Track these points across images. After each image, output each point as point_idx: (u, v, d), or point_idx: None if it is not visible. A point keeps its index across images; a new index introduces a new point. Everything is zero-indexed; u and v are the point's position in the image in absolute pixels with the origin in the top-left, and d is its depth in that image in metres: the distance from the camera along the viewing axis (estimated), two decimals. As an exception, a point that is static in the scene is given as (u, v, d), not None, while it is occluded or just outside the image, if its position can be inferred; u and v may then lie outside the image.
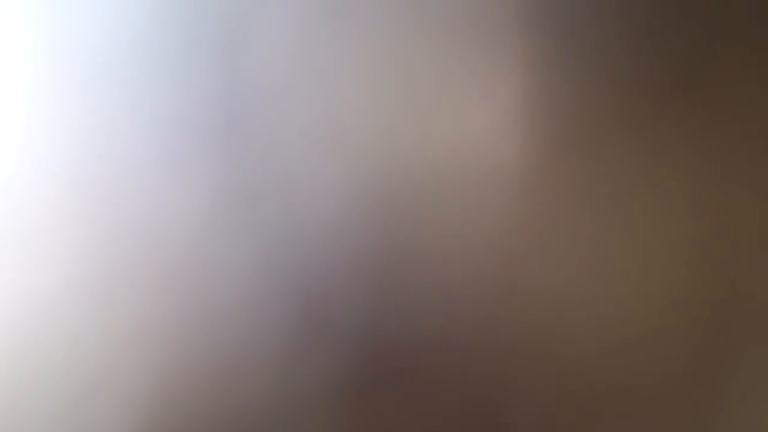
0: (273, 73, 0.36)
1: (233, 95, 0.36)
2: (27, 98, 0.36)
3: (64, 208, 0.36)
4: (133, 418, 0.35)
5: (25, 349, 0.35)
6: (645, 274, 0.36)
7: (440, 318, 0.36)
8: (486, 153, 0.36)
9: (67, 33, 0.36)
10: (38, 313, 0.35)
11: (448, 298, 0.36)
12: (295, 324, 0.36)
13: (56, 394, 0.35)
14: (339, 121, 0.36)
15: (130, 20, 0.36)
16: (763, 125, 0.37)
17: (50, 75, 0.36)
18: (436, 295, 0.36)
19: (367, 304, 0.36)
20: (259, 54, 0.36)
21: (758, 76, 0.37)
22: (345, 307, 0.36)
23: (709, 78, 0.36)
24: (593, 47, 0.36)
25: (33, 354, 0.35)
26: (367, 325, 0.36)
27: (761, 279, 0.37)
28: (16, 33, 0.36)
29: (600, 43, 0.36)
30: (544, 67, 0.36)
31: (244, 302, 0.36)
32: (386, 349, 0.36)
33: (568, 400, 0.36)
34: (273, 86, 0.36)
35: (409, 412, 0.36)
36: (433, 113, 0.36)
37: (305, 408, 0.36)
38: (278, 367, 0.36)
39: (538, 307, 0.36)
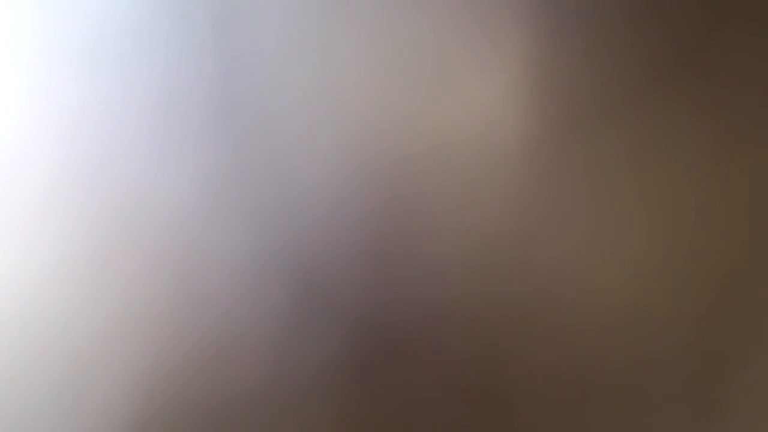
0: (268, 50, 0.36)
1: (227, 73, 0.36)
2: (18, 82, 0.35)
3: (53, 192, 0.35)
4: (125, 403, 0.35)
5: (13, 337, 0.35)
6: (647, 253, 0.36)
7: (440, 294, 0.36)
8: (487, 130, 0.36)
9: (58, 15, 0.35)
10: (26, 300, 0.35)
11: (447, 274, 0.36)
12: (291, 302, 0.36)
13: (45, 381, 0.35)
14: (337, 98, 0.36)
15: (124, 6, 0.36)
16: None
17: (41, 58, 0.35)
18: (435, 271, 0.36)
19: (364, 280, 0.36)
20: (254, 30, 0.36)
21: (766, 54, 0.36)
22: (342, 284, 0.36)
23: (715, 56, 0.36)
24: (596, 24, 0.36)
25: (20, 341, 0.35)
26: (365, 302, 0.36)
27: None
28: (7, 15, 0.35)
29: (603, 20, 0.36)
30: (547, 43, 0.36)
31: (239, 281, 0.35)
32: (385, 327, 0.36)
33: (569, 376, 0.36)
34: (268, 63, 0.36)
35: (409, 390, 0.36)
36: (434, 89, 0.36)
37: (302, 388, 0.35)
38: (274, 346, 0.36)
39: (539, 283, 0.36)
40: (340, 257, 0.36)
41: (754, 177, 0.36)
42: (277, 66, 0.36)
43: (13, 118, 0.35)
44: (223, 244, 0.36)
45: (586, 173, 0.36)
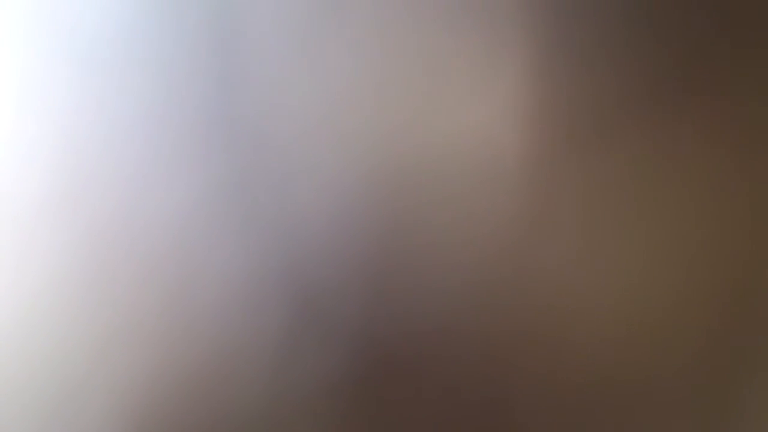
0: (265, 62, 0.35)
1: (223, 79, 0.35)
2: (10, 86, 0.35)
3: (46, 201, 0.35)
4: (120, 418, 0.35)
5: (5, 350, 0.34)
6: (650, 265, 0.36)
7: (440, 309, 0.35)
8: (487, 144, 0.35)
9: (52, 16, 0.35)
10: (18, 311, 0.35)
11: (447, 288, 0.35)
12: (288, 318, 0.35)
13: (40, 394, 0.34)
14: (334, 111, 0.35)
15: (119, 7, 0.35)
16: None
17: (34, 60, 0.35)
18: (434, 285, 0.35)
19: (364, 296, 0.35)
20: (251, 36, 0.35)
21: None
22: (341, 299, 0.35)
23: (720, 70, 0.36)
24: (598, 36, 0.36)
25: (13, 354, 0.35)
26: (365, 317, 0.35)
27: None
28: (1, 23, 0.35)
29: (605, 32, 0.36)
30: (547, 56, 0.35)
31: (235, 296, 0.35)
32: (385, 343, 0.35)
33: (573, 389, 0.35)
34: (265, 75, 0.35)
35: (410, 407, 0.35)
36: (433, 103, 0.35)
37: (300, 405, 0.35)
38: (271, 362, 0.35)
39: (541, 297, 0.35)
40: (337, 271, 0.35)
41: (759, 188, 0.36)
42: (274, 74, 0.35)
43: (6, 128, 0.35)
44: (219, 256, 0.35)
45: (587, 186, 0.36)
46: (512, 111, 0.35)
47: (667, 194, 0.36)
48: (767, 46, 0.36)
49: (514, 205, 0.35)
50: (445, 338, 0.35)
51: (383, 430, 0.35)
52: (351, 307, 0.35)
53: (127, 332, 0.35)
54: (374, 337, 0.35)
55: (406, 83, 0.35)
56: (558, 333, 0.35)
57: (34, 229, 0.35)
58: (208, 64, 0.35)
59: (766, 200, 0.36)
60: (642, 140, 0.36)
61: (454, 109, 0.35)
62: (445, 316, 0.35)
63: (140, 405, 0.35)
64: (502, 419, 0.35)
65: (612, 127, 0.36)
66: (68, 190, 0.35)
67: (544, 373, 0.35)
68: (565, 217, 0.36)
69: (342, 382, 0.35)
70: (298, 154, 0.35)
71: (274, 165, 0.35)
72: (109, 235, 0.35)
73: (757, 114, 0.36)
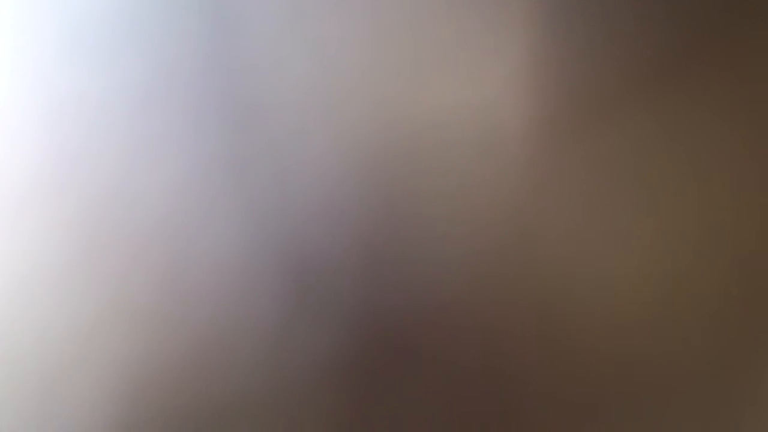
0: (262, 29, 0.34)
1: (218, 65, 0.34)
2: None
3: (33, 184, 0.34)
4: (109, 405, 0.34)
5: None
6: (658, 247, 0.35)
7: (440, 295, 0.34)
8: (489, 124, 0.35)
9: (39, 5, 0.34)
10: (4, 296, 0.33)
11: (447, 275, 0.35)
12: (287, 299, 0.34)
13: (25, 383, 0.33)
14: (335, 81, 0.34)
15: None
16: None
17: (21, 49, 0.34)
18: (435, 272, 0.35)
19: (361, 281, 0.34)
20: (247, 20, 0.34)
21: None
22: (338, 285, 0.34)
23: (726, 46, 0.35)
24: (602, 12, 0.35)
25: (0, 339, 0.33)
26: (362, 303, 0.34)
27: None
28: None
29: (609, 7, 0.35)
30: (554, 26, 0.35)
31: (229, 280, 0.34)
32: (383, 329, 0.34)
33: (578, 379, 0.35)
34: (260, 54, 0.34)
35: (407, 393, 0.34)
36: (437, 75, 0.35)
37: (295, 391, 0.34)
38: (266, 349, 0.34)
39: (545, 283, 0.35)
40: (335, 257, 0.34)
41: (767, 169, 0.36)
42: (274, 46, 0.34)
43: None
44: (214, 242, 0.34)
45: (592, 168, 0.35)
46: (515, 86, 0.35)
47: (674, 172, 0.35)
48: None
49: (517, 191, 0.35)
50: (446, 312, 0.34)
51: (381, 407, 0.34)
52: (348, 283, 0.34)
53: (117, 315, 0.34)
54: (372, 314, 0.34)
55: (410, 50, 0.35)
56: (562, 305, 0.35)
57: (21, 213, 0.34)
58: (201, 45, 0.34)
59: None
60: (645, 115, 0.35)
61: (455, 91, 0.35)
62: (445, 290, 0.34)
63: (132, 386, 0.34)
64: (505, 396, 0.35)
65: (614, 102, 0.35)
66: (55, 172, 0.34)
67: (548, 346, 0.34)
68: (568, 191, 0.35)
69: (338, 361, 0.34)
70: (295, 140, 0.35)
71: (270, 142, 0.34)
72: (98, 217, 0.34)
73: (765, 89, 0.35)
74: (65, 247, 0.34)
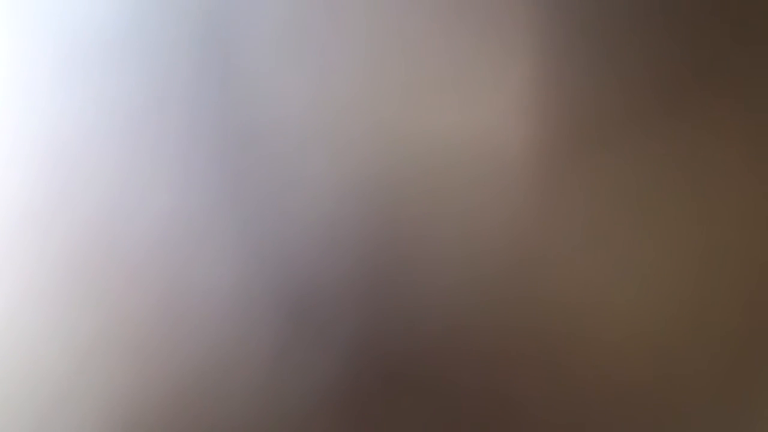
0: (261, 65, 0.34)
1: (217, 87, 0.34)
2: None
3: (27, 203, 0.33)
4: (106, 428, 0.33)
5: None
6: (660, 264, 0.34)
7: (444, 319, 0.34)
8: (493, 145, 0.34)
9: (36, 19, 0.34)
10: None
11: (451, 302, 0.34)
12: (283, 328, 0.34)
13: (21, 409, 0.33)
14: (332, 107, 0.34)
15: (106, 5, 0.34)
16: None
17: (16, 64, 0.33)
18: (438, 294, 0.34)
19: (364, 305, 0.34)
20: (247, 45, 0.34)
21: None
22: (338, 310, 0.34)
23: (735, 67, 0.35)
24: (609, 33, 0.35)
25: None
26: (365, 322, 0.34)
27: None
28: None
29: (617, 28, 0.35)
30: (557, 53, 0.34)
31: (226, 301, 0.33)
32: (387, 349, 0.34)
33: (582, 388, 0.34)
34: (261, 78, 0.34)
35: (414, 416, 0.34)
36: (436, 101, 0.34)
37: (297, 418, 0.33)
38: (263, 370, 0.33)
39: (549, 308, 0.34)
40: (333, 281, 0.34)
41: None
42: (270, 77, 0.34)
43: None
44: (210, 266, 0.34)
45: (593, 192, 0.34)
46: (517, 109, 0.34)
47: (674, 192, 0.35)
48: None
49: (517, 203, 0.34)
50: (446, 337, 0.34)
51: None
52: (346, 308, 0.34)
53: (110, 342, 0.33)
54: (370, 339, 0.34)
55: (409, 76, 0.34)
56: (565, 329, 0.34)
57: (13, 236, 0.33)
58: (201, 66, 0.34)
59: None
60: (647, 141, 0.35)
61: (459, 104, 0.34)
62: (447, 314, 0.34)
63: (126, 414, 0.33)
64: (506, 422, 0.34)
65: (616, 126, 0.35)
66: (50, 192, 0.33)
67: (551, 371, 0.34)
68: (570, 215, 0.34)
69: (336, 388, 0.33)
70: (294, 158, 0.34)
71: (267, 163, 0.34)
72: (93, 239, 0.33)
73: (765, 112, 0.35)
74: (58, 271, 0.33)
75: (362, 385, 0.34)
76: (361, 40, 0.34)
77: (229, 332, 0.33)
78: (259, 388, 0.33)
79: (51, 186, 0.33)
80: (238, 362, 0.33)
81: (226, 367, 0.33)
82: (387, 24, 0.34)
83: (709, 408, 0.34)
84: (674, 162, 0.35)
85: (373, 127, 0.34)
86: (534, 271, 0.34)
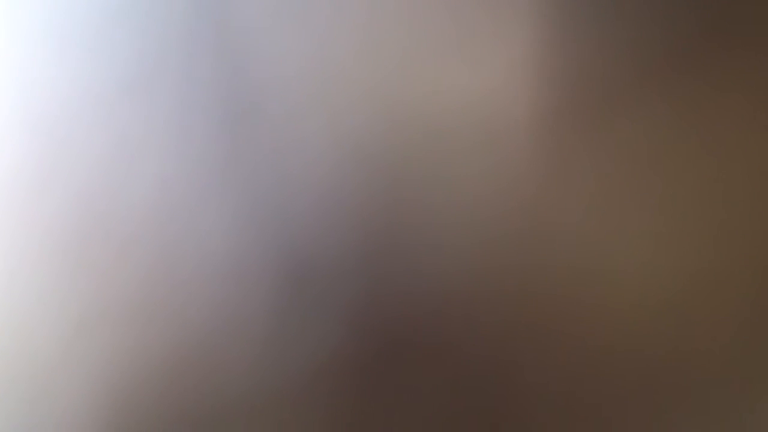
0: (257, 23, 0.33)
1: (210, 49, 0.33)
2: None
3: (17, 178, 0.33)
4: (99, 405, 0.33)
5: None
6: (669, 230, 0.33)
7: (441, 293, 0.33)
8: (497, 108, 0.33)
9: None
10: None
11: (450, 272, 0.33)
12: (282, 296, 0.33)
13: (15, 381, 0.32)
14: (331, 73, 0.33)
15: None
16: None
17: (5, 44, 0.33)
18: (436, 268, 0.33)
19: (363, 270, 0.33)
20: (243, 15, 0.34)
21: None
22: (336, 280, 0.33)
23: (753, 25, 0.33)
24: (611, 2, 0.34)
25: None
26: (365, 294, 0.33)
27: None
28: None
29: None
30: (559, 19, 0.33)
31: (220, 273, 0.33)
32: (381, 326, 0.33)
33: (589, 379, 0.33)
34: (257, 46, 0.33)
35: (413, 388, 0.33)
36: (438, 62, 0.33)
37: (295, 390, 0.33)
38: (261, 348, 0.33)
39: (552, 279, 0.33)
40: (332, 251, 0.33)
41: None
42: (263, 50, 0.33)
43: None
44: (203, 238, 0.33)
45: (601, 160, 0.33)
46: (522, 70, 0.33)
47: (687, 162, 0.34)
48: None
49: (521, 174, 0.33)
50: (447, 323, 0.33)
51: (378, 407, 0.33)
52: (348, 290, 0.33)
53: (104, 313, 0.33)
54: (372, 320, 0.33)
55: (409, 45, 0.33)
56: (570, 296, 0.33)
57: (3, 209, 0.33)
58: (196, 31, 0.33)
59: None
60: (659, 105, 0.34)
61: (460, 70, 0.33)
62: (446, 286, 0.33)
63: (120, 386, 0.33)
64: (508, 394, 0.33)
65: (625, 91, 0.34)
66: (39, 167, 0.33)
67: (555, 338, 0.33)
68: (577, 179, 0.33)
69: (334, 359, 0.33)
70: (293, 135, 0.33)
71: (262, 136, 0.33)
72: (87, 206, 0.33)
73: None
74: (49, 243, 0.33)
75: (362, 351, 0.33)
76: (358, 12, 0.34)
77: (227, 300, 0.33)
78: (257, 355, 0.33)
79: (43, 156, 0.33)
80: (236, 330, 0.33)
81: (223, 335, 0.33)
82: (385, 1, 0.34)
83: (717, 381, 0.33)
84: (690, 126, 0.34)
85: (372, 89, 0.33)
86: (539, 237, 0.33)
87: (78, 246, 0.33)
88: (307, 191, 0.33)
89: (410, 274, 0.33)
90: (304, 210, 0.33)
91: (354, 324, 0.33)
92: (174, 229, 0.33)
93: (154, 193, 0.33)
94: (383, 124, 0.33)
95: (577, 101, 0.33)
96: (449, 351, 0.33)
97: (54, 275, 0.33)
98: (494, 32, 0.33)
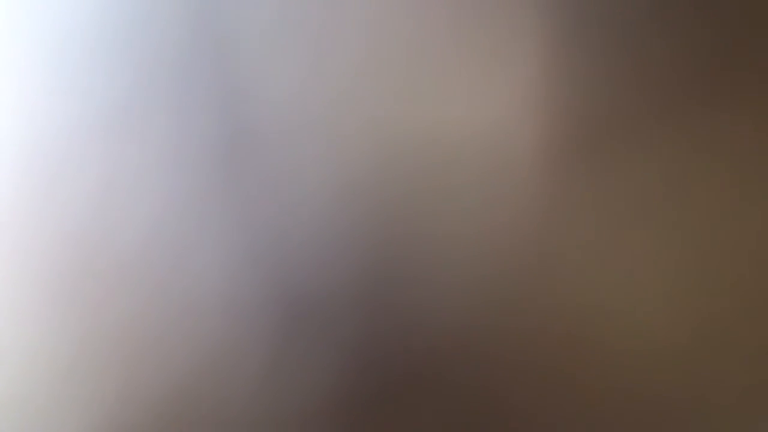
0: (260, 57, 0.33)
1: (214, 81, 0.33)
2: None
3: (14, 200, 0.32)
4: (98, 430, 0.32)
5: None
6: (674, 264, 0.33)
7: (446, 320, 0.33)
8: (499, 140, 0.32)
9: (27, 17, 0.32)
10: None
11: (454, 298, 0.33)
12: (280, 330, 0.33)
13: (12, 413, 0.32)
14: (329, 99, 0.33)
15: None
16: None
17: (6, 60, 0.32)
18: (440, 295, 0.33)
19: (362, 305, 0.33)
20: (245, 37, 0.33)
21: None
22: (337, 309, 0.33)
23: (755, 65, 0.32)
24: (621, 28, 0.33)
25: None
26: (364, 329, 0.33)
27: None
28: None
29: (629, 24, 0.32)
30: (567, 50, 0.33)
31: (219, 305, 0.32)
32: (386, 357, 0.33)
33: (588, 409, 0.33)
34: (259, 70, 0.33)
35: (415, 426, 0.33)
36: (439, 94, 0.33)
37: (292, 422, 0.33)
38: (260, 371, 0.33)
39: (554, 310, 0.33)
40: (333, 281, 0.33)
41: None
42: (260, 72, 0.32)
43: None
44: (201, 275, 0.32)
45: (607, 190, 0.33)
46: (526, 103, 0.33)
47: (689, 191, 0.33)
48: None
49: (525, 202, 0.33)
50: (450, 338, 0.33)
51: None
52: (348, 321, 0.33)
53: (101, 342, 0.32)
54: (373, 352, 0.33)
55: (409, 76, 0.33)
56: (570, 332, 0.33)
57: (1, 230, 0.32)
58: (192, 60, 0.33)
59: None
60: (668, 133, 0.33)
61: (464, 100, 0.33)
62: (449, 314, 0.33)
63: (117, 420, 0.32)
64: (511, 426, 0.33)
65: (633, 120, 0.33)
66: (37, 191, 0.32)
67: (555, 374, 0.33)
68: (579, 214, 0.33)
69: (335, 392, 0.33)
70: (291, 154, 0.33)
71: (258, 163, 0.33)
72: (81, 238, 0.32)
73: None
74: (40, 282, 0.32)
75: (361, 387, 0.33)
76: (359, 27, 0.33)
77: (224, 335, 0.33)
78: (254, 394, 0.33)
79: (37, 185, 0.32)
80: (234, 365, 0.33)
81: (221, 370, 0.33)
82: (387, 10, 0.33)
83: (722, 424, 0.33)
84: (701, 156, 0.33)
85: (372, 120, 0.33)
86: (539, 273, 0.33)
87: (70, 284, 0.32)
88: (305, 225, 0.33)
89: (410, 309, 0.33)
90: (302, 244, 0.33)
91: (352, 360, 0.33)
92: (168, 265, 0.32)
93: (148, 228, 0.32)
94: (383, 155, 0.33)
95: (585, 132, 0.33)
96: (449, 387, 0.33)
97: (45, 314, 0.32)
98: (500, 60, 0.33)
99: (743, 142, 0.33)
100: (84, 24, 0.32)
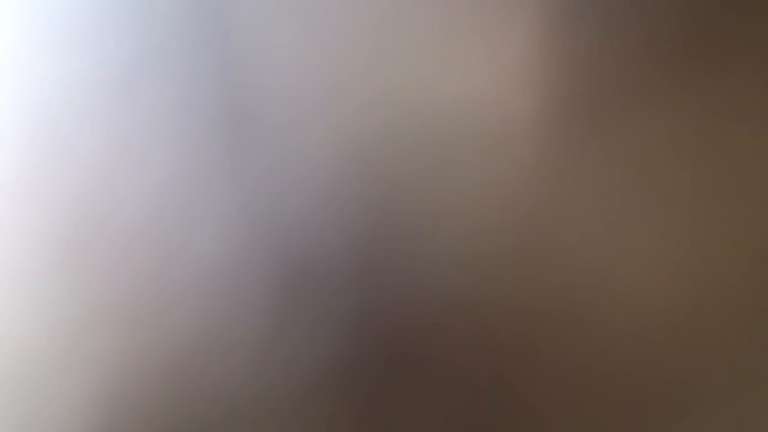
0: (256, 18, 0.33)
1: (210, 50, 0.33)
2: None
3: (17, 180, 0.33)
4: (94, 410, 0.33)
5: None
6: (678, 245, 0.32)
7: (447, 295, 0.33)
8: (500, 113, 0.32)
9: (29, 3, 0.33)
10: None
11: (454, 273, 0.33)
12: (282, 303, 0.33)
13: (8, 385, 0.33)
14: (331, 79, 0.33)
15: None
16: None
17: (6, 43, 0.33)
18: (441, 270, 0.33)
19: (364, 280, 0.33)
20: (244, 18, 0.33)
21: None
22: (339, 283, 0.33)
23: (755, 34, 0.32)
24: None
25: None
26: (365, 304, 0.33)
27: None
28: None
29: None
30: (564, 15, 0.32)
31: (220, 279, 0.33)
32: (382, 331, 0.33)
33: (590, 385, 0.32)
34: (256, 35, 0.33)
35: (414, 395, 0.33)
36: (440, 68, 0.33)
37: (294, 397, 0.33)
38: (258, 346, 0.33)
39: (556, 286, 0.32)
40: (332, 255, 0.33)
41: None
42: (263, 47, 0.33)
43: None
44: (203, 243, 0.33)
45: (607, 164, 0.32)
46: (526, 74, 0.32)
47: (700, 165, 0.32)
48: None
49: (524, 176, 0.32)
50: (450, 313, 0.33)
51: (378, 413, 0.33)
52: (347, 295, 0.33)
53: (102, 318, 0.33)
54: (369, 316, 0.33)
55: (411, 50, 0.33)
56: (572, 308, 0.32)
57: (7, 204, 0.33)
58: (198, 34, 0.33)
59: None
60: (670, 105, 0.32)
61: (460, 74, 0.33)
62: (446, 292, 0.33)
63: (117, 393, 0.33)
64: (509, 402, 0.32)
65: (635, 91, 0.32)
66: (44, 162, 0.33)
67: (557, 351, 0.32)
68: (581, 189, 0.32)
69: (334, 366, 0.33)
70: (290, 131, 0.33)
71: (261, 138, 0.33)
72: (87, 210, 0.33)
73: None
74: (48, 246, 0.33)
75: (362, 361, 0.33)
76: (360, 8, 0.33)
77: (227, 307, 0.33)
78: (256, 364, 0.33)
79: (44, 156, 0.33)
80: (236, 338, 0.33)
81: (223, 343, 0.33)
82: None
83: (721, 396, 0.32)
84: (703, 128, 0.32)
85: (373, 96, 0.33)
86: (541, 249, 0.33)
87: (76, 249, 0.33)
88: (307, 199, 0.33)
89: (411, 284, 0.33)
90: (304, 218, 0.33)
91: (354, 334, 0.33)
92: (173, 235, 0.33)
93: (154, 198, 0.33)
94: (384, 131, 0.33)
95: (584, 102, 0.32)
96: (450, 362, 0.33)
97: (52, 277, 0.33)
98: (497, 33, 0.32)
99: (751, 103, 0.32)
100: (89, 7, 0.33)
